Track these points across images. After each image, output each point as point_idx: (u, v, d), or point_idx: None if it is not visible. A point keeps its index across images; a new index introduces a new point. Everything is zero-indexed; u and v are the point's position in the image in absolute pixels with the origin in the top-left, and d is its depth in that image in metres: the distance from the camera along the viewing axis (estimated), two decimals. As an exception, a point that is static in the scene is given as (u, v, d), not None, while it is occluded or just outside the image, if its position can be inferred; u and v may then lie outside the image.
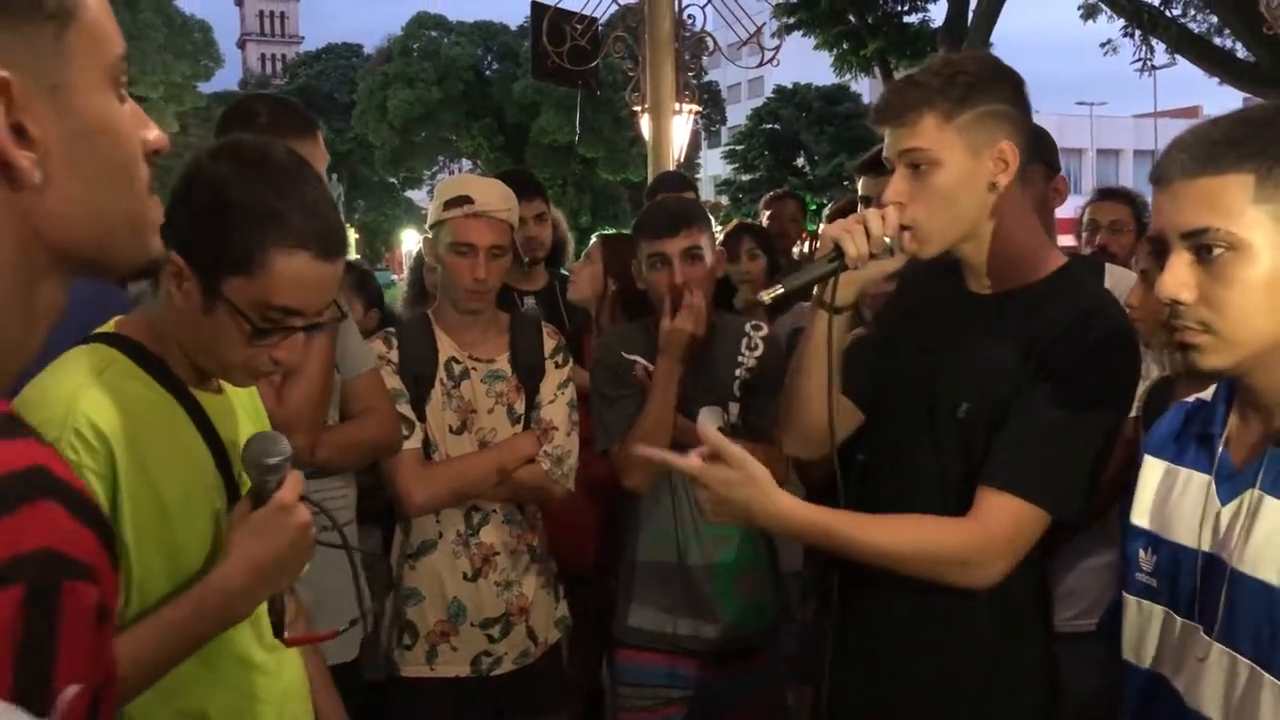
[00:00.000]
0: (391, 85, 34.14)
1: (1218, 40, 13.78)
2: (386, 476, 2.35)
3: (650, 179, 5.83)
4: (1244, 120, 1.15)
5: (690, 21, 7.61)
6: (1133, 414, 2.35)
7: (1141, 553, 1.34)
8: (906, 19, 16.84)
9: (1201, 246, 1.14)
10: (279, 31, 68.12)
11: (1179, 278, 1.15)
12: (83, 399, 1.24)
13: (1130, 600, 1.36)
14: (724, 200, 31.71)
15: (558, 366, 2.49)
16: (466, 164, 35.49)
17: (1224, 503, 1.22)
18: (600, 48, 7.77)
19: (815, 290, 1.70)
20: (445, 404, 2.40)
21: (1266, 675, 1.14)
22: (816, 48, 17.26)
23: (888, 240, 1.58)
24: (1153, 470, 1.37)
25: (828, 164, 30.97)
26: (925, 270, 1.74)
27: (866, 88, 28.42)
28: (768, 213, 4.66)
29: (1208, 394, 1.33)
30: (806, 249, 5.08)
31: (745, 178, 33.11)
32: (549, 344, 2.50)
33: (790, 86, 33.25)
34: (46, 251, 0.73)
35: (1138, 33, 14.25)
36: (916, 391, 1.70)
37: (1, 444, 0.65)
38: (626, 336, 2.54)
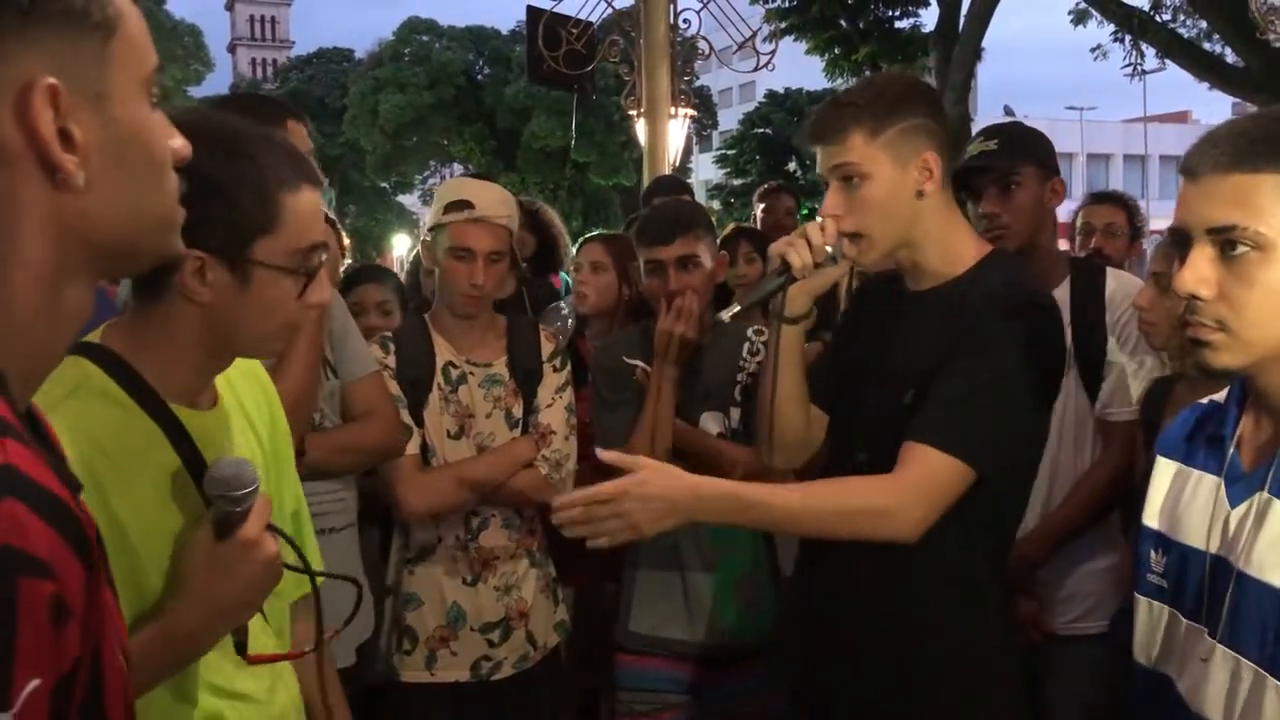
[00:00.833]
0: (383, 90, 34.03)
1: (1208, 45, 13.83)
2: (384, 482, 2.33)
3: (645, 183, 5.83)
4: None
5: (685, 26, 7.63)
6: (1133, 414, 2.36)
7: (1152, 553, 1.34)
8: (898, 24, 16.85)
9: (1226, 243, 1.13)
10: (270, 36, 67.78)
11: (1199, 273, 1.14)
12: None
13: (1141, 600, 1.35)
14: (715, 205, 31.69)
15: (555, 370, 2.48)
16: (458, 169, 35.35)
17: (1234, 505, 1.22)
18: (595, 52, 7.78)
19: (771, 304, 1.82)
20: (443, 409, 2.39)
21: (1270, 679, 1.13)
22: (808, 52, 17.25)
23: (829, 249, 1.72)
24: (1164, 471, 1.36)
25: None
26: (877, 281, 1.93)
27: (858, 92, 28.39)
28: (762, 205, 4.63)
29: (1220, 396, 1.32)
30: None
31: (737, 182, 33.09)
32: (546, 347, 2.49)
33: (782, 91, 33.30)
34: (82, 251, 0.77)
35: (1128, 38, 14.33)
36: (869, 387, 1.80)
37: None
38: (626, 341, 2.54)
